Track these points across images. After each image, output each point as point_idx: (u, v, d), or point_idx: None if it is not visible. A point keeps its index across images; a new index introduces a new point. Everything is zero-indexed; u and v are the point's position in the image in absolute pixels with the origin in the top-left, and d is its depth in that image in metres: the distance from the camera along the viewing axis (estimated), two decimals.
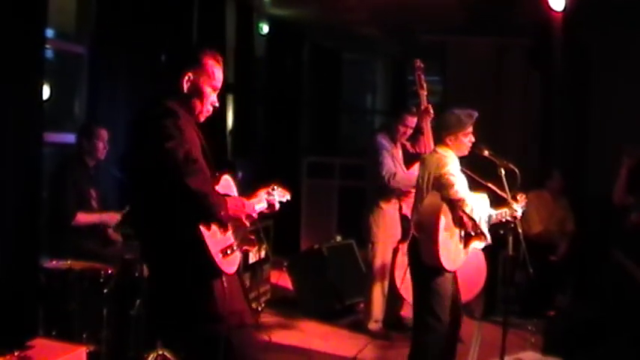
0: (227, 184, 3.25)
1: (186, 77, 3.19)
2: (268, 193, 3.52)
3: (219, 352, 2.94)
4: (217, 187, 3.10)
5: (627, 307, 5.43)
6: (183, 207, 2.89)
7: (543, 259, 6.64)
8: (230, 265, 3.04)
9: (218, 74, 3.27)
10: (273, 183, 3.65)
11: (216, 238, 2.97)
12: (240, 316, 3.09)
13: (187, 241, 2.92)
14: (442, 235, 4.37)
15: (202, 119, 3.30)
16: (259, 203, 3.41)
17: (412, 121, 6.04)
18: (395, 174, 5.89)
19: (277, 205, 3.58)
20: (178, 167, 2.83)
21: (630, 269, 5.59)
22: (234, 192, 3.29)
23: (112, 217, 5.28)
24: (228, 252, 3.02)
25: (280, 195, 3.67)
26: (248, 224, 3.13)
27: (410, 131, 6.11)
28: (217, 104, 3.31)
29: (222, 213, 2.95)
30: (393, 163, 5.97)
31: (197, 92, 3.22)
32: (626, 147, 5.88)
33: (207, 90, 3.23)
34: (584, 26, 7.33)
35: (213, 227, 2.97)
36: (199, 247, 2.90)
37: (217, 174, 3.21)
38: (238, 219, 3.06)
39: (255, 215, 3.23)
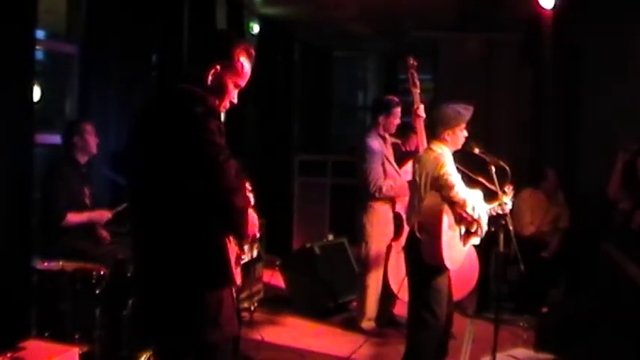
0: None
1: (213, 70, 2.93)
2: None
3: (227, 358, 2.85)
4: None
5: (618, 302, 5.45)
6: (217, 221, 2.76)
7: (535, 256, 6.66)
8: (239, 275, 2.92)
9: (247, 70, 3.02)
10: None
11: (232, 249, 2.86)
12: (235, 326, 2.95)
13: (210, 251, 2.78)
14: (445, 236, 4.38)
15: None
16: None
17: (398, 111, 6.05)
18: (382, 187, 5.87)
19: None
20: (229, 185, 2.67)
21: (621, 263, 5.60)
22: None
23: (102, 215, 5.28)
24: (239, 262, 2.91)
25: None
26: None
27: (398, 121, 6.10)
28: (236, 101, 3.06)
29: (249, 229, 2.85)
30: (382, 169, 5.94)
31: (220, 88, 2.97)
32: (623, 143, 5.90)
33: (231, 87, 3.00)
34: (574, 23, 7.34)
35: (232, 238, 2.86)
36: (222, 258, 2.78)
37: None
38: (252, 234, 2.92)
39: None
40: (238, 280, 2.88)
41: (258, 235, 2.98)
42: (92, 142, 5.28)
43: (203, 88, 2.90)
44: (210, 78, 2.94)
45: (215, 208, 2.72)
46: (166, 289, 2.80)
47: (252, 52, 3.04)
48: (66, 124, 5.52)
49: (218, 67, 2.94)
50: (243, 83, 3.04)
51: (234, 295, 3.02)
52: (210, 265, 2.79)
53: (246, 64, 3.01)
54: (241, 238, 2.87)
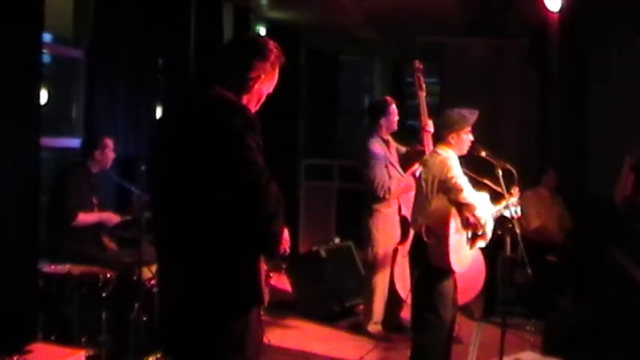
0: None
1: (257, 76, 2.78)
2: None
3: None
4: None
5: (626, 306, 5.43)
6: (251, 243, 2.60)
7: (542, 260, 6.64)
8: (267, 294, 2.74)
9: (276, 80, 2.88)
10: None
11: (262, 268, 2.70)
12: (259, 347, 2.78)
13: (242, 273, 2.62)
14: (453, 239, 4.38)
15: None
16: None
17: (394, 108, 6.03)
18: (390, 188, 5.84)
19: None
20: (269, 212, 2.52)
21: (628, 267, 5.59)
22: None
23: (111, 217, 5.32)
24: (269, 280, 2.83)
25: None
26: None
27: (397, 117, 6.06)
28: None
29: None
30: (387, 172, 5.90)
31: (257, 94, 2.82)
32: (627, 146, 5.89)
33: (265, 94, 2.85)
34: (580, 26, 7.34)
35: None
36: (254, 279, 2.63)
37: None
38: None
39: None
40: (266, 298, 2.72)
41: (288, 252, 2.83)
42: (110, 157, 5.40)
43: (238, 95, 2.75)
44: (255, 85, 2.79)
45: (251, 233, 2.57)
46: (193, 309, 2.64)
47: (284, 59, 2.89)
48: (88, 135, 5.59)
49: (262, 74, 2.79)
50: (271, 91, 2.90)
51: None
52: (241, 287, 2.64)
53: (276, 74, 2.88)
54: (272, 259, 2.77)
